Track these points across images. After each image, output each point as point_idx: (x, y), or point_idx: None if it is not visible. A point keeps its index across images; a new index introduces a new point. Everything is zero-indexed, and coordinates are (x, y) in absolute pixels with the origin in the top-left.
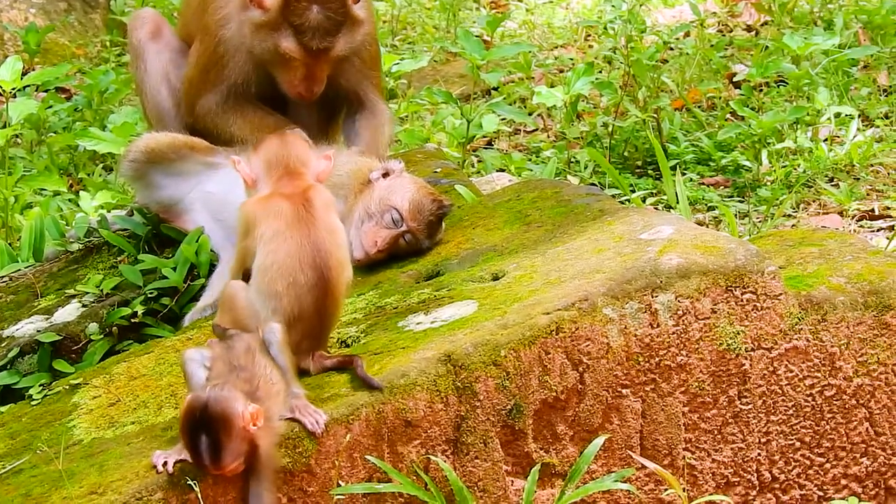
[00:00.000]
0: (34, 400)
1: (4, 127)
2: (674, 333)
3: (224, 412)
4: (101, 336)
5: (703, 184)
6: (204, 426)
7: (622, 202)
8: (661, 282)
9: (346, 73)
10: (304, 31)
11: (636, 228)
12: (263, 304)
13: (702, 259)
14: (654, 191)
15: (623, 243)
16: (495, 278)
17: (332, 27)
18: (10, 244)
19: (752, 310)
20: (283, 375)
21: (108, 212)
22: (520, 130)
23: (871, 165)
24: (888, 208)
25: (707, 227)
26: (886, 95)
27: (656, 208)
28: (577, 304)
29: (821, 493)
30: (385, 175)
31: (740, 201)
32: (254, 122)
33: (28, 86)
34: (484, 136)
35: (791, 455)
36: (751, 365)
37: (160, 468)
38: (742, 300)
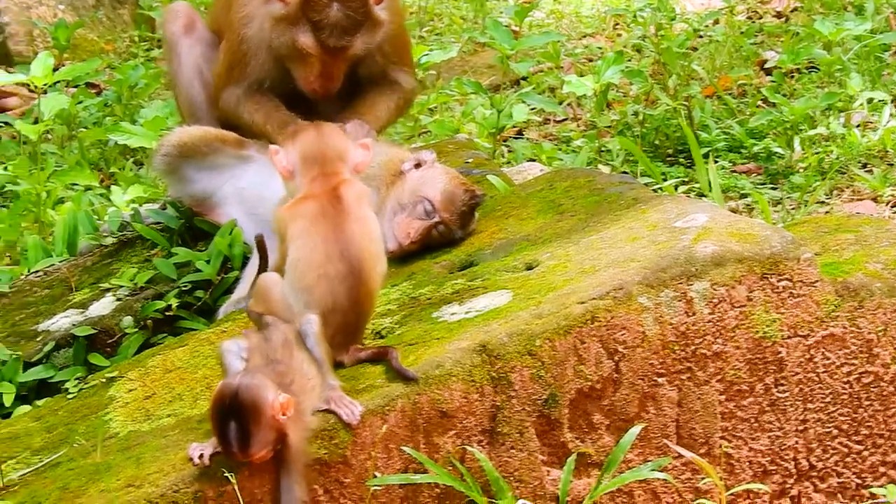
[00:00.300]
0: (70, 394)
1: (36, 122)
2: (709, 321)
3: (254, 400)
4: (136, 329)
5: (736, 171)
6: (233, 413)
7: (655, 190)
8: (697, 270)
9: (367, 66)
10: (322, 28)
11: (670, 216)
12: (297, 299)
13: (737, 246)
14: (686, 179)
15: (657, 231)
16: (529, 268)
17: (351, 26)
18: (43, 239)
19: (789, 297)
20: (318, 367)
21: (141, 206)
22: (549, 120)
23: None
24: None
25: (740, 214)
26: None
27: (688, 197)
28: (612, 293)
29: (859, 481)
30: (417, 166)
31: (773, 188)
32: (270, 117)
33: (58, 82)
34: (514, 127)
35: (829, 443)
36: (787, 353)
37: (196, 461)
38: (778, 287)
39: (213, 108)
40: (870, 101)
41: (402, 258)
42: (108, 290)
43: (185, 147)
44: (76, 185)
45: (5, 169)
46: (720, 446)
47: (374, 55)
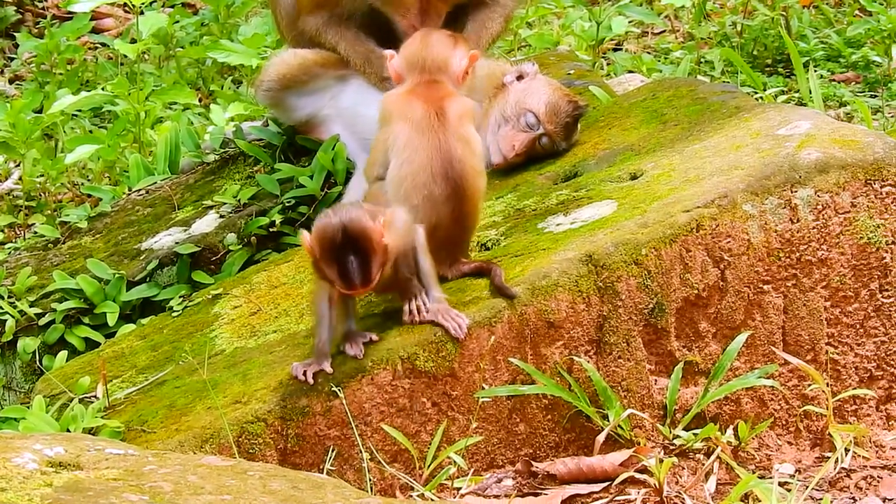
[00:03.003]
0: (175, 311)
1: (134, 42)
2: (814, 228)
3: (363, 230)
4: (240, 246)
5: (834, 80)
6: (348, 248)
7: (756, 100)
8: (800, 177)
9: None
10: None
11: (773, 124)
12: None
13: (840, 153)
14: (785, 89)
15: (760, 139)
16: (633, 178)
17: None
18: (143, 158)
19: (892, 202)
20: (424, 279)
21: (241, 123)
22: (647, 33)
23: None
24: None
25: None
26: None
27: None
28: (717, 201)
29: None
30: (519, 78)
31: (873, 97)
32: (353, 48)
33: (154, 1)
34: (612, 39)
35: None
36: (891, 258)
37: (301, 377)
38: (881, 193)
39: (291, 29)
40: None
41: (506, 170)
42: (210, 207)
43: (285, 78)
44: (175, 104)
45: (104, 89)
46: (826, 352)
47: None
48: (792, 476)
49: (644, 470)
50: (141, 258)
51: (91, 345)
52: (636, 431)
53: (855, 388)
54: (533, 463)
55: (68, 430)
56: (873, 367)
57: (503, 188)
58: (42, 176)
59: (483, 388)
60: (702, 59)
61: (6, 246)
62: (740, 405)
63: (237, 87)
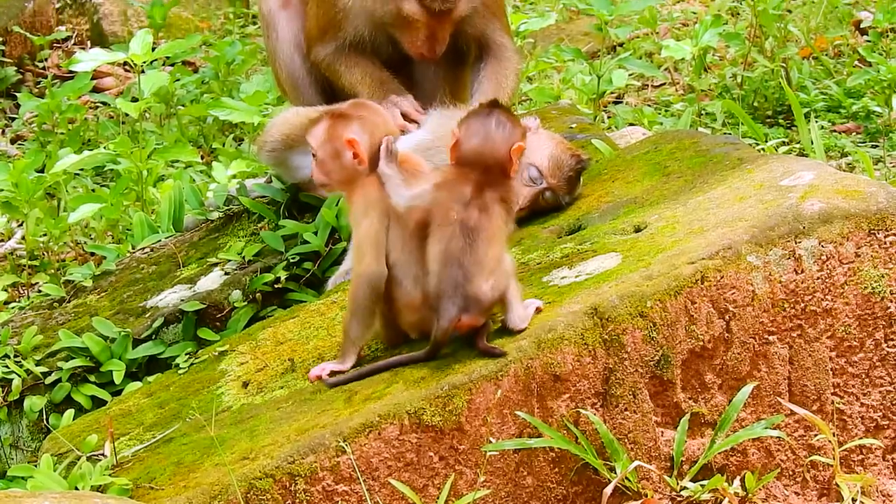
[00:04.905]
0: (181, 369)
1: (135, 101)
2: (818, 279)
3: None
4: (245, 303)
5: (835, 131)
6: None
7: (758, 151)
8: (804, 227)
9: (471, 21)
10: None
11: (776, 175)
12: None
13: (844, 203)
14: (786, 140)
15: (764, 190)
16: (637, 230)
17: None
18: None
19: None
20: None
21: (244, 180)
22: (647, 85)
23: None
24: None
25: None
26: None
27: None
28: (721, 253)
29: None
30: None
31: (874, 146)
32: (367, 74)
33: (154, 60)
34: (612, 92)
35: None
36: None
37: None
38: (885, 243)
39: (314, 77)
40: None
41: None
42: (215, 264)
43: (288, 138)
44: (177, 162)
45: (105, 148)
46: (832, 402)
47: (474, 15)
48: None
49: None
50: (146, 316)
51: (98, 403)
52: (644, 483)
53: (861, 438)
54: None
55: (77, 489)
56: (879, 417)
57: (508, 242)
58: (45, 235)
59: (490, 442)
60: (702, 111)
61: (11, 305)
62: (747, 456)
63: (239, 145)
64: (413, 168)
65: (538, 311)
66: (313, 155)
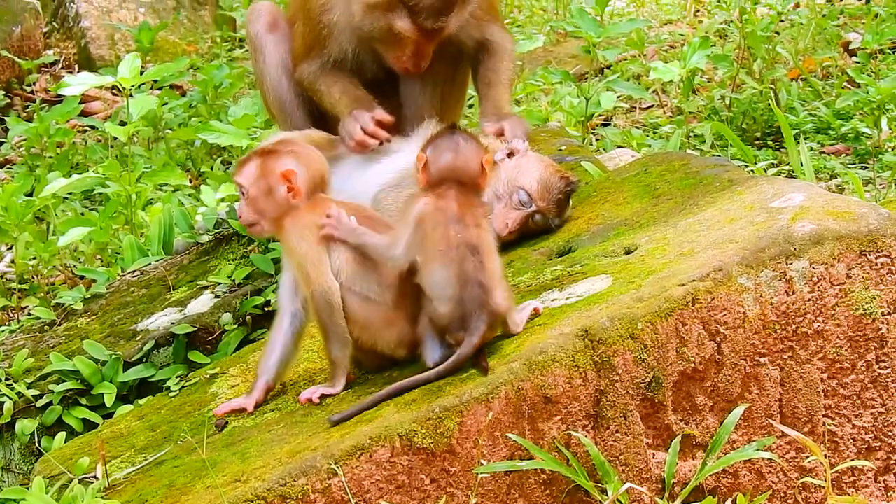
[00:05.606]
0: (172, 392)
1: (124, 125)
2: (809, 300)
3: None
4: (236, 326)
5: (824, 152)
6: None
7: (748, 172)
8: (795, 249)
9: (464, 29)
10: (418, 12)
11: (767, 197)
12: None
13: (834, 224)
14: (776, 161)
15: (754, 212)
16: (628, 252)
17: (446, 7)
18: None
19: (887, 273)
20: None
21: (233, 203)
22: (635, 108)
23: None
24: None
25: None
26: None
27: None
28: (712, 275)
29: None
30: (510, 155)
31: (863, 168)
32: (346, 92)
33: (143, 84)
34: (600, 115)
35: None
36: (888, 329)
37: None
38: (876, 264)
39: (303, 101)
40: None
41: (500, 247)
42: (205, 287)
43: None
44: (165, 185)
45: (94, 172)
46: (823, 424)
47: (466, 26)
48: None
49: None
50: (137, 339)
51: (89, 426)
52: None
53: (853, 460)
54: None
55: None
56: (871, 439)
57: None
58: (35, 259)
59: (482, 464)
60: (691, 133)
61: (1, 329)
62: (738, 478)
63: (227, 168)
64: (369, 216)
65: (536, 312)
66: (242, 194)
